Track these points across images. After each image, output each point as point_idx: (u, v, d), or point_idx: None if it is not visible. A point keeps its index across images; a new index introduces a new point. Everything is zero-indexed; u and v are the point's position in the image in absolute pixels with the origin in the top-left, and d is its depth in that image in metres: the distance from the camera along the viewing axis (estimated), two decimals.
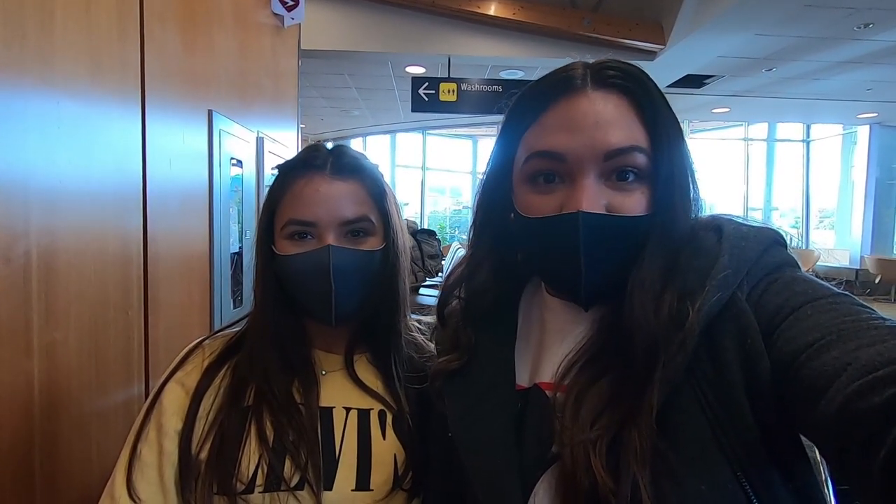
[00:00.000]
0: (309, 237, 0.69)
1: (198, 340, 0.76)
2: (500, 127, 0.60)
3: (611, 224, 0.51)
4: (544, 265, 0.57)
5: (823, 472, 0.62)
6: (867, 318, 0.42)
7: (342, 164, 0.71)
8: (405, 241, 0.75)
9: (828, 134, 9.45)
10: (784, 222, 10.14)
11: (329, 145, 0.75)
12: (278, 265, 0.70)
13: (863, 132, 8.71)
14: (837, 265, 8.64)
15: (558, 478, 0.51)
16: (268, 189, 0.74)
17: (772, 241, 0.52)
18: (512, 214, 0.58)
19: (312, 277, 0.67)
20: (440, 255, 4.77)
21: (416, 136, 10.49)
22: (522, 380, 0.60)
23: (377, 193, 0.72)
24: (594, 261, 0.51)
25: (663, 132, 0.52)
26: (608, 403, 0.50)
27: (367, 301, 0.72)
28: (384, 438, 0.70)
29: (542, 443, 0.54)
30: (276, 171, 0.74)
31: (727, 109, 7.67)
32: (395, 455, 0.69)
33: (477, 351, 0.62)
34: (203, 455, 0.65)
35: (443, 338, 0.69)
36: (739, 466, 0.45)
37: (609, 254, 0.51)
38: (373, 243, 0.71)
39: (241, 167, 1.82)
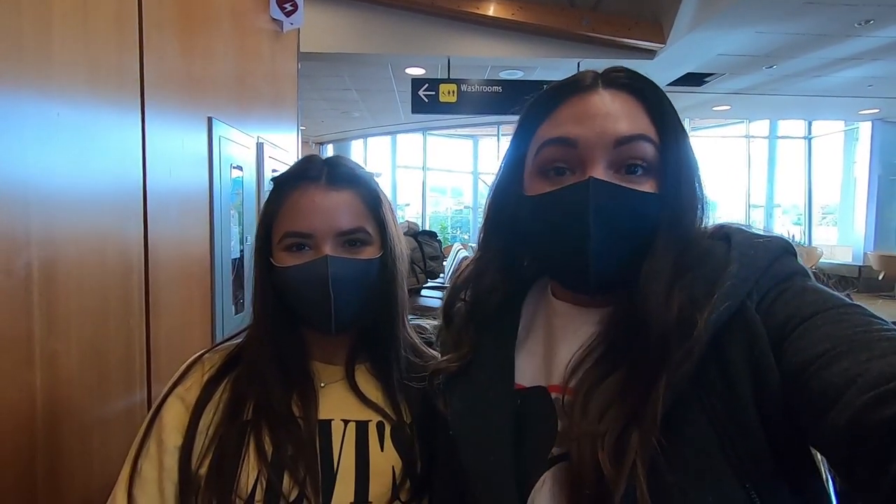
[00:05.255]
0: (306, 248, 0.69)
1: (198, 354, 0.76)
2: (513, 132, 0.62)
3: (621, 195, 0.52)
4: (553, 248, 0.56)
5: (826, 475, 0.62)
6: (878, 329, 0.42)
7: (337, 174, 0.71)
8: (403, 249, 0.75)
9: (830, 130, 9.43)
10: (786, 219, 10.13)
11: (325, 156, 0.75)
12: (276, 277, 0.70)
13: (865, 128, 8.69)
14: (840, 262, 8.61)
15: (564, 472, 0.51)
16: (264, 201, 0.74)
17: (782, 250, 0.52)
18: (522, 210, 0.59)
19: (311, 288, 0.67)
20: (441, 257, 4.75)
21: (416, 137, 10.49)
22: (524, 380, 0.60)
23: (373, 203, 0.72)
24: (604, 236, 0.51)
25: (671, 128, 0.54)
26: (616, 399, 0.49)
27: (365, 309, 0.72)
28: (382, 450, 0.70)
29: (542, 443, 0.54)
30: (272, 183, 0.74)
31: (728, 107, 7.66)
32: (392, 466, 0.69)
33: (478, 351, 0.63)
34: (203, 471, 0.65)
35: (446, 337, 0.69)
36: (748, 478, 0.45)
37: (619, 231, 0.52)
38: (370, 252, 0.71)
39: (242, 171, 1.82)
